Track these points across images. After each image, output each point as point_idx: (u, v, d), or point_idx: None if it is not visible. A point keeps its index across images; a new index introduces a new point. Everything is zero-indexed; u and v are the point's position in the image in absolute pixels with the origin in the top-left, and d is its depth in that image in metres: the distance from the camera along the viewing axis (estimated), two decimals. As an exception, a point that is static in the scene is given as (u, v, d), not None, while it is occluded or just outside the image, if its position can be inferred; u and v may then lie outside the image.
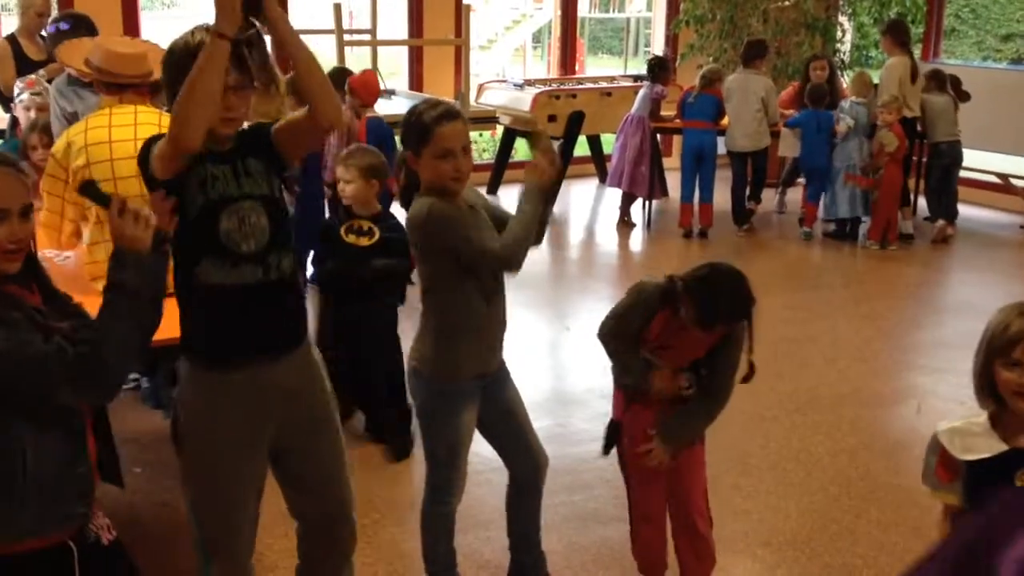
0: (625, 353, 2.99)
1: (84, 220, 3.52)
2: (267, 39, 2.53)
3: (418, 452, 3.87)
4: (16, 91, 5.34)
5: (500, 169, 9.35)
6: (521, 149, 9.99)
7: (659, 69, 8.32)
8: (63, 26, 4.65)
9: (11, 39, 6.45)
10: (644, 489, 3.14)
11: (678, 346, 2.93)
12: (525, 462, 3.21)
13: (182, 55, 2.43)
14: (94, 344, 1.99)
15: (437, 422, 3.03)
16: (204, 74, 2.32)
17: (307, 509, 2.81)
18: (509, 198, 2.95)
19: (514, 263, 2.82)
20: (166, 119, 3.46)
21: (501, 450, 3.21)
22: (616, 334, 3.00)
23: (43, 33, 6.39)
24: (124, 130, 3.35)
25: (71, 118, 4.30)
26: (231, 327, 2.53)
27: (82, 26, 4.67)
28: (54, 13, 6.57)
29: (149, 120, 3.43)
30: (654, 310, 2.92)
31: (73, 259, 3.83)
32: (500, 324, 3.04)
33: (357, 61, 8.46)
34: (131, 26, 7.91)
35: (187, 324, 2.57)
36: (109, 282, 2.09)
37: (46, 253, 3.84)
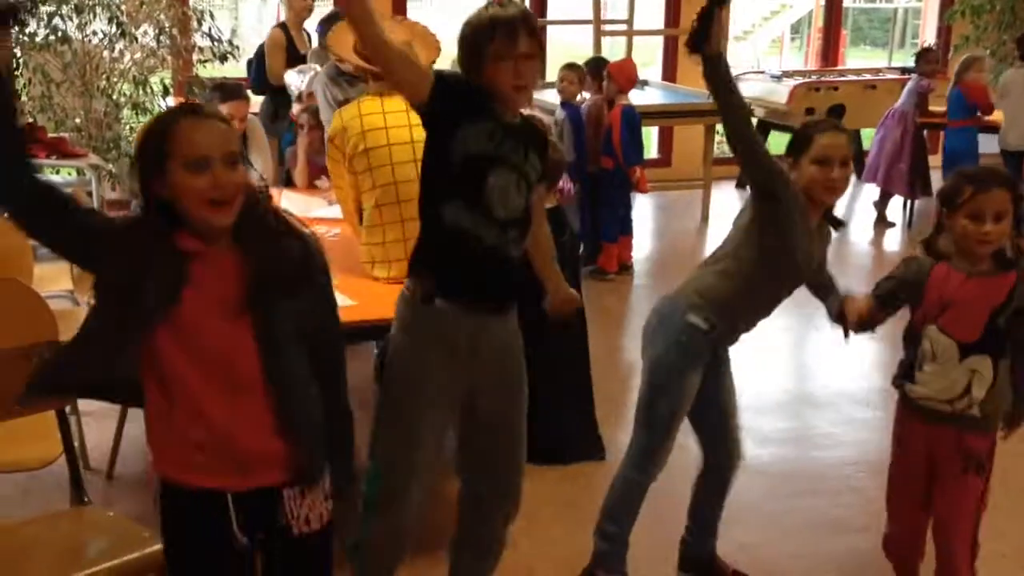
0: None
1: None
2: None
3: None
4: (294, 91, 5.60)
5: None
6: (775, 142, 9.74)
7: (923, 61, 7.90)
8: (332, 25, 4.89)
9: (284, 28, 6.75)
10: (897, 498, 3.01)
11: (966, 299, 2.71)
12: (722, 453, 3.20)
13: (473, 32, 2.52)
14: None
15: (671, 378, 3.02)
16: None
17: (479, 477, 2.84)
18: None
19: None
20: None
21: (701, 434, 3.20)
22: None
23: (308, 29, 6.73)
24: (398, 116, 3.45)
25: (342, 104, 4.52)
26: (461, 272, 2.59)
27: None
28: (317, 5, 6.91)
29: None
30: (927, 270, 2.78)
31: (339, 235, 4.02)
32: (774, 304, 3.05)
33: (612, 51, 8.48)
34: (400, 14, 8.25)
35: (420, 251, 2.65)
36: None
37: (317, 229, 4.07)
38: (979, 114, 7.64)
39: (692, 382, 3.02)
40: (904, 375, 2.88)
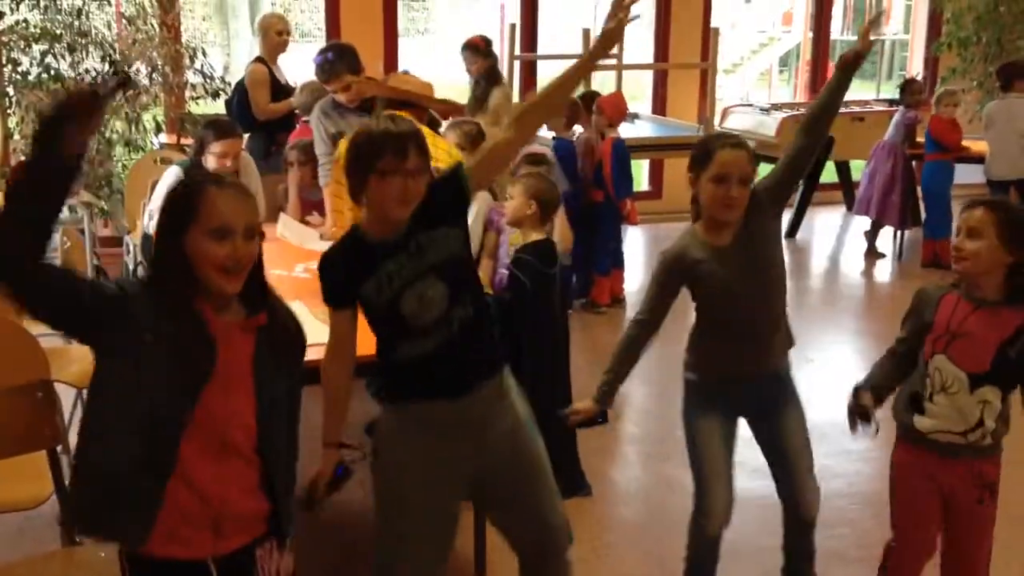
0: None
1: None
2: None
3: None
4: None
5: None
6: (763, 172, 9.78)
7: (907, 92, 7.97)
8: (330, 56, 4.88)
9: (263, 62, 6.60)
10: (908, 534, 2.94)
11: (973, 329, 2.70)
12: (791, 499, 3.20)
13: (363, 146, 2.53)
14: None
15: (687, 423, 3.13)
16: None
17: (522, 539, 2.84)
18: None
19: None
20: (439, 141, 3.61)
21: (774, 478, 3.22)
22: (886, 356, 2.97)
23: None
24: None
25: (336, 137, 4.60)
26: (423, 381, 2.59)
27: (347, 55, 4.88)
28: (293, 31, 6.85)
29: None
30: (937, 298, 2.78)
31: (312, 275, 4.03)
32: (751, 334, 3.04)
33: (601, 85, 8.54)
34: (390, 50, 8.29)
35: (388, 382, 2.68)
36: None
37: (310, 265, 4.07)
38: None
39: (707, 431, 3.08)
40: (911, 407, 2.83)
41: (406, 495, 2.62)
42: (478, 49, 6.75)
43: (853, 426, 2.89)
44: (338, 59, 4.83)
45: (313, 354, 3.03)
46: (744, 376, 3.09)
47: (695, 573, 3.25)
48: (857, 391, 2.92)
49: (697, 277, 2.99)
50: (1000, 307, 2.70)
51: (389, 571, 2.67)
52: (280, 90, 6.49)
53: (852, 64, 2.94)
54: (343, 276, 2.59)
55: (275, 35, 6.61)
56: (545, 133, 6.87)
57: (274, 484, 2.19)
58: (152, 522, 2.04)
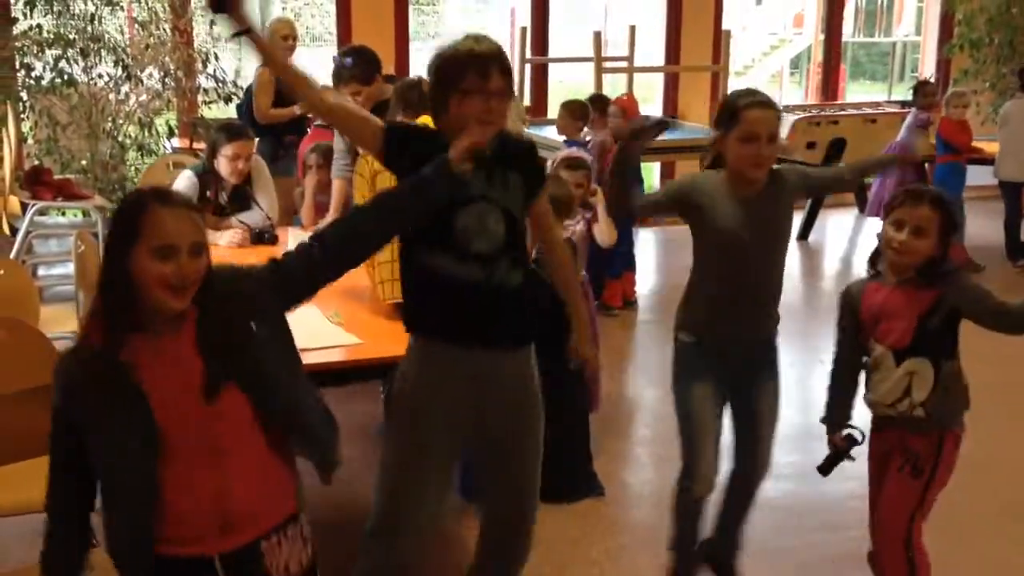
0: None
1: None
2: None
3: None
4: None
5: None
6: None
7: (920, 94, 7.96)
8: (347, 62, 4.88)
9: None
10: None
11: (893, 308, 2.86)
12: (743, 465, 3.24)
13: (446, 64, 2.52)
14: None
15: (676, 387, 3.15)
16: None
17: (495, 506, 2.86)
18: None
19: None
20: None
21: (734, 440, 3.25)
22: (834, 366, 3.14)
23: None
24: None
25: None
26: (449, 313, 2.58)
27: (362, 64, 4.88)
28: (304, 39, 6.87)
29: None
30: (859, 291, 2.95)
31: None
32: (751, 294, 3.06)
33: (612, 88, 8.54)
34: (401, 54, 8.31)
35: (412, 302, 2.66)
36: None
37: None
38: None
39: (698, 394, 3.09)
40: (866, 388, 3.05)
41: (425, 440, 2.63)
42: None
43: (828, 471, 3.12)
44: (354, 66, 4.83)
45: (321, 357, 3.08)
46: (738, 338, 3.10)
47: (679, 537, 3.27)
48: (830, 430, 3.15)
49: (706, 211, 2.96)
50: (915, 287, 2.83)
51: (399, 517, 2.67)
52: (285, 94, 6.50)
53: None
54: (407, 150, 2.51)
55: (280, 40, 6.64)
56: (555, 136, 6.88)
57: (304, 439, 2.18)
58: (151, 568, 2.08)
